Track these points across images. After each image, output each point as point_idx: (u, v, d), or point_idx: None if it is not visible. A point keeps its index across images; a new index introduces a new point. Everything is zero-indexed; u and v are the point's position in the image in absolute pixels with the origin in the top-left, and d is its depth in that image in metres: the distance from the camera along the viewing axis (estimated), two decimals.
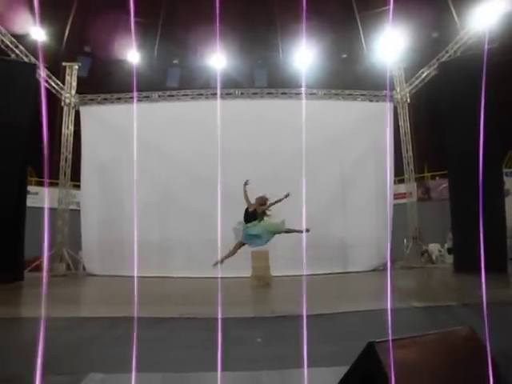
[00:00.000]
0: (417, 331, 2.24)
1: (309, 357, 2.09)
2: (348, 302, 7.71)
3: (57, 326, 5.03)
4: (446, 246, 16.55)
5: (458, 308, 6.03)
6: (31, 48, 13.39)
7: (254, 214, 6.95)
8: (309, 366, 2.17)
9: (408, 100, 16.06)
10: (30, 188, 14.26)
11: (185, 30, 21.74)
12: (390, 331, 1.96)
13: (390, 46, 15.08)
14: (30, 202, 12.99)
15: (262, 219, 6.98)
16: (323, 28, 19.64)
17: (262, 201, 7.08)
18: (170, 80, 23.35)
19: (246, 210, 7.03)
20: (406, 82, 15.87)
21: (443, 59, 13.92)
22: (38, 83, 12.23)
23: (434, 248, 17.09)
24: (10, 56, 12.85)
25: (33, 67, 12.87)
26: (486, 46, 10.80)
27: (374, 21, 20.41)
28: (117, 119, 14.11)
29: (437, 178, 19.07)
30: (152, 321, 5.45)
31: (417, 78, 15.31)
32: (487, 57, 9.54)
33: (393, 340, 1.93)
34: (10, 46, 12.84)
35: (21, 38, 13.66)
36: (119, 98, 15.40)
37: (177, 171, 14.51)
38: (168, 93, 15.87)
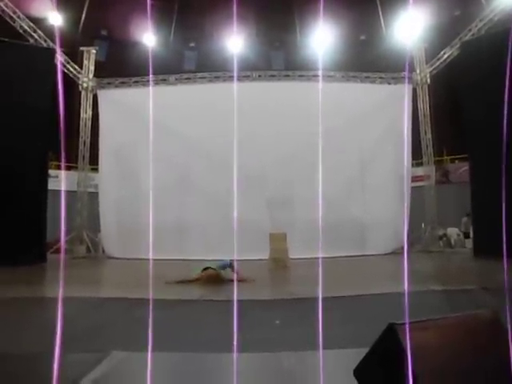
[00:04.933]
0: (437, 314, 2.21)
1: (329, 338, 2.09)
2: (368, 284, 7.68)
3: (79, 306, 5.15)
4: (461, 229, 16.37)
5: (478, 292, 5.96)
6: (49, 33, 13.44)
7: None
8: (329, 347, 2.17)
9: (428, 81, 15.69)
10: (51, 171, 14.48)
11: (201, 13, 21.54)
12: (406, 313, 1.94)
13: (410, 25, 14.67)
14: (51, 185, 13.22)
15: None
16: (341, 9, 19.23)
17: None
18: (186, 63, 23.28)
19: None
20: (427, 63, 15.49)
21: (466, 38, 13.48)
22: (56, 68, 12.29)
23: (452, 232, 16.88)
24: (28, 41, 12.92)
25: (51, 52, 12.92)
26: None
27: (393, 0, 19.88)
28: (134, 102, 14.11)
29: (456, 161, 18.74)
30: (172, 303, 5.53)
31: (438, 59, 14.92)
32: None
33: (413, 322, 1.91)
34: (29, 30, 12.90)
35: (39, 23, 13.71)
36: (136, 82, 15.42)
37: (194, 154, 14.57)
38: (185, 76, 15.83)
